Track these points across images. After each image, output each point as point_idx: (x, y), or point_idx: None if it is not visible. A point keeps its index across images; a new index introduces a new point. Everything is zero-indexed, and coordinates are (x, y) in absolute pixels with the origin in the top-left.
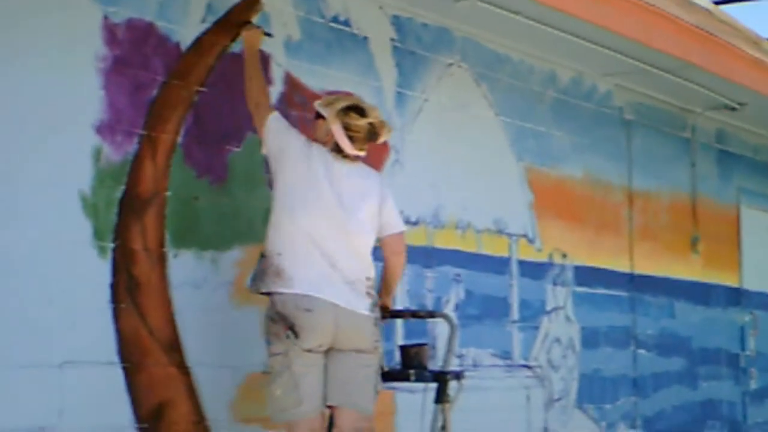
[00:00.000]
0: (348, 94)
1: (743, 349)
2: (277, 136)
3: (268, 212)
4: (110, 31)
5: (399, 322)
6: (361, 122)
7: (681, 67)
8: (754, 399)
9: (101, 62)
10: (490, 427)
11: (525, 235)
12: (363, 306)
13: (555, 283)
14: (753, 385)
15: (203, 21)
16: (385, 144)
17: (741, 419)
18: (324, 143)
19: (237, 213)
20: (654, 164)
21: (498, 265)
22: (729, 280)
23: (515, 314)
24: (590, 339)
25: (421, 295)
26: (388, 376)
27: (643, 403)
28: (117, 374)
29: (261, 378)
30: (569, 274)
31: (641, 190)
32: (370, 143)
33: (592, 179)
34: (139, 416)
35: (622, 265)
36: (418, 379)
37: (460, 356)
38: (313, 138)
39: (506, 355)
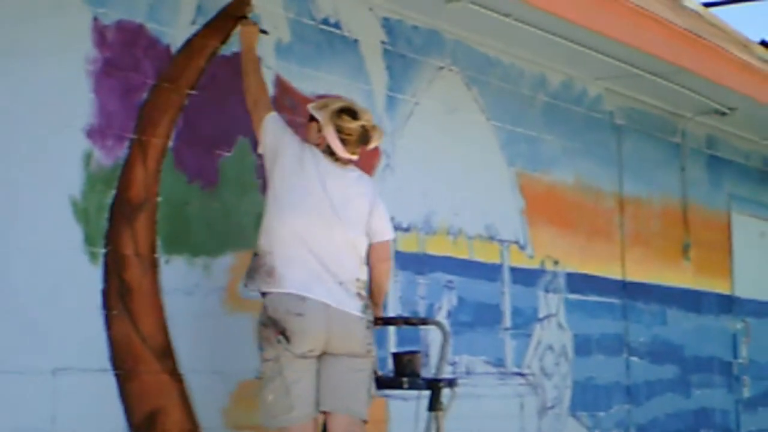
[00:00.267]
0: (339, 97)
1: (736, 356)
2: (274, 136)
3: (260, 217)
4: (100, 33)
5: (391, 329)
6: (354, 125)
7: (671, 70)
8: (747, 407)
9: (91, 65)
10: None
11: (516, 242)
12: (354, 307)
13: (547, 290)
14: (746, 393)
15: (193, 23)
16: (375, 148)
17: (734, 427)
18: (317, 146)
19: (228, 218)
20: (644, 169)
21: (490, 272)
22: (721, 288)
23: (508, 321)
24: (583, 346)
25: (413, 302)
26: (381, 383)
27: (637, 411)
28: (109, 381)
29: (254, 385)
30: (561, 281)
31: (632, 195)
32: (362, 147)
33: (583, 185)
34: (131, 423)
35: (613, 272)
36: (411, 387)
37: (452, 364)
38: (305, 139)
39: (499, 362)
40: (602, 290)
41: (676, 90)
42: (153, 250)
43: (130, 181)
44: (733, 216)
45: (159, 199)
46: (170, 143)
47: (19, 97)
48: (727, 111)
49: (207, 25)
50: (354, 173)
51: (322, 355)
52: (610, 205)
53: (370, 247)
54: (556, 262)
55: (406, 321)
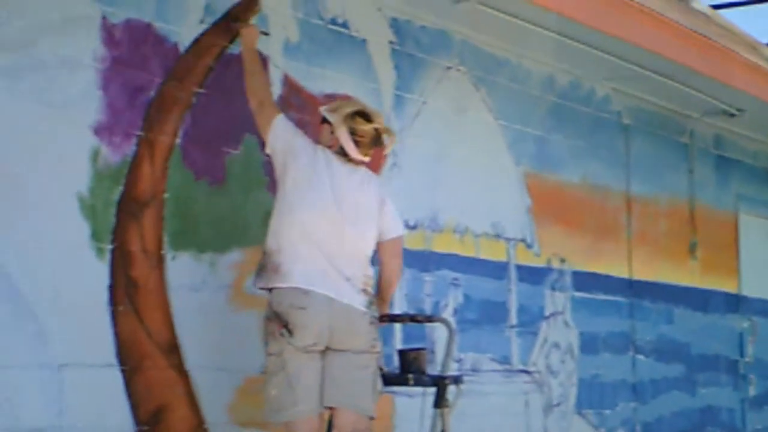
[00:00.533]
0: (351, 99)
1: (742, 355)
2: (285, 137)
3: (267, 214)
4: (109, 32)
5: (397, 326)
6: (367, 127)
7: (679, 71)
8: (753, 405)
9: (99, 63)
10: None
11: (523, 240)
12: (359, 301)
13: (553, 289)
14: (752, 391)
15: (202, 22)
16: (383, 147)
17: (740, 426)
18: (329, 147)
19: (235, 215)
20: (652, 169)
21: (496, 270)
22: (727, 287)
23: (514, 319)
24: (589, 344)
25: (419, 299)
26: (386, 380)
27: (643, 409)
28: (116, 377)
29: (260, 380)
30: (568, 280)
31: (639, 195)
32: (374, 149)
33: (590, 184)
34: (137, 419)
35: (620, 271)
36: (417, 384)
37: (458, 361)
38: (316, 141)
39: (505, 360)
40: (609, 289)
41: (684, 91)
42: (160, 246)
43: (137, 178)
44: (741, 216)
45: (166, 195)
46: (178, 140)
47: (26, 94)
48: (735, 112)
49: (215, 24)
50: (363, 173)
51: (326, 351)
52: (618, 204)
53: (381, 245)
54: (562, 261)
55: (412, 318)
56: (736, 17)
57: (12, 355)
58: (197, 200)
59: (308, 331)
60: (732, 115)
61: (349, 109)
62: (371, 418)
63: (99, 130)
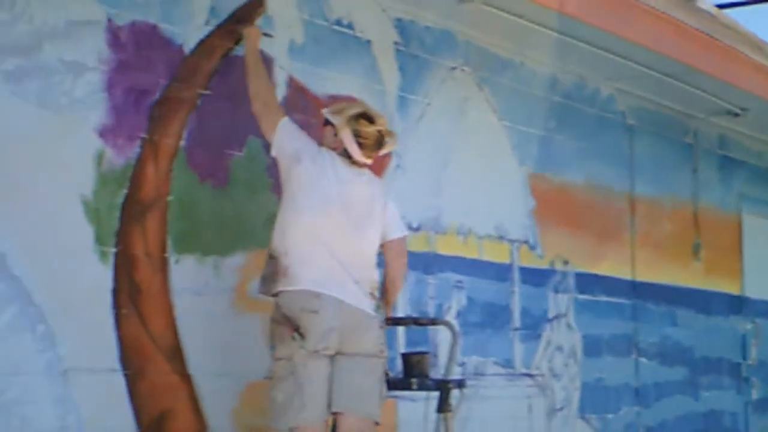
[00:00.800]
0: (354, 101)
1: (745, 358)
2: (290, 140)
3: (271, 217)
4: (114, 34)
5: (400, 329)
6: (371, 129)
7: (684, 71)
8: (756, 409)
9: (104, 65)
10: None
11: (526, 242)
12: (367, 305)
13: (557, 291)
14: (755, 394)
15: (207, 24)
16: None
17: (743, 429)
18: (332, 149)
19: (239, 218)
20: (656, 170)
21: (500, 272)
22: (730, 288)
23: (517, 322)
24: (592, 347)
25: (422, 302)
26: (390, 384)
27: (646, 413)
28: (119, 381)
29: (264, 385)
30: (571, 282)
31: (643, 196)
32: (377, 151)
33: (594, 185)
34: (140, 424)
35: (623, 273)
36: (420, 388)
37: (462, 365)
38: (320, 143)
39: (508, 363)
40: (612, 291)
41: (688, 90)
42: (163, 249)
43: (141, 181)
44: (744, 216)
45: (170, 198)
46: (182, 143)
47: (31, 98)
48: (739, 112)
49: (220, 26)
50: (366, 175)
51: (335, 356)
52: (621, 205)
53: (385, 245)
54: (566, 263)
55: (415, 321)
56: (741, 17)
57: (15, 359)
58: (201, 203)
59: (320, 335)
60: (736, 115)
61: (352, 111)
62: (376, 423)
63: (103, 133)
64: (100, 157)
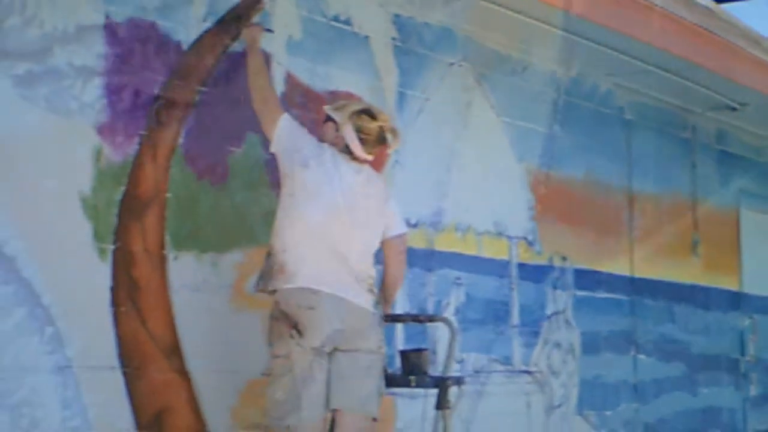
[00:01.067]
0: (355, 97)
1: (743, 354)
2: (290, 136)
3: (270, 213)
4: (112, 30)
5: (399, 326)
6: (373, 125)
7: (682, 66)
8: (755, 405)
9: (102, 61)
10: None
11: (525, 238)
12: (367, 301)
13: (555, 287)
14: (753, 391)
15: (204, 20)
16: (385, 145)
17: (741, 425)
18: (333, 145)
19: (238, 215)
20: (654, 165)
21: (498, 269)
22: (729, 284)
23: (515, 319)
24: (590, 344)
25: (421, 298)
26: (388, 381)
27: (644, 410)
28: (117, 379)
29: (262, 383)
30: (569, 278)
31: (641, 192)
32: (378, 147)
33: (592, 181)
34: (139, 421)
35: (622, 269)
36: (419, 385)
37: (460, 361)
38: (320, 139)
39: (506, 360)
40: (610, 287)
41: (686, 85)
42: (162, 246)
43: (139, 178)
44: (743, 212)
45: (168, 195)
46: (180, 140)
47: (29, 94)
48: (737, 106)
49: (218, 22)
50: (367, 172)
51: (333, 352)
52: (620, 201)
53: (385, 243)
54: (564, 259)
55: (413, 318)
56: (739, 11)
57: (13, 357)
58: (199, 200)
59: (318, 332)
60: (734, 110)
61: (354, 108)
62: (374, 420)
63: (102, 130)
64: (98, 154)
